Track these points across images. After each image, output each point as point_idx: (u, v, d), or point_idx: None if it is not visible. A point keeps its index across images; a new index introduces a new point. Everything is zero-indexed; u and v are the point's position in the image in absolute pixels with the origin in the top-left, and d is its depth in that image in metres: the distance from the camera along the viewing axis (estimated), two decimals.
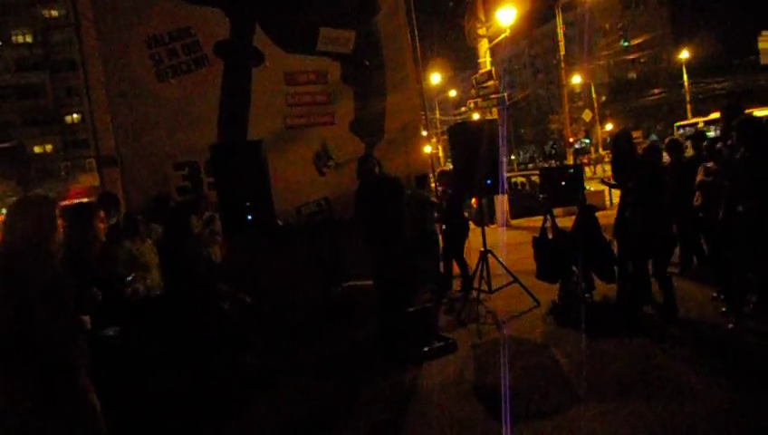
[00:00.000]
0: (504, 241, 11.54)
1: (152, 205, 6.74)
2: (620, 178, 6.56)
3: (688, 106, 42.38)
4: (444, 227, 8.28)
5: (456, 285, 8.49)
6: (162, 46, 7.56)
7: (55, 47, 53.98)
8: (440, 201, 8.31)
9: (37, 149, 53.81)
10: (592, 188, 15.38)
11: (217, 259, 6.10)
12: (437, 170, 10.11)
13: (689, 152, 7.71)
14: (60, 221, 3.13)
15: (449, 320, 6.99)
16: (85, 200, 6.75)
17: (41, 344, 2.93)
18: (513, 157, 61.64)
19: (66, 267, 3.13)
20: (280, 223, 6.37)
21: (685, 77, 42.01)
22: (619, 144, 6.80)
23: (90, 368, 3.21)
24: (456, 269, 8.48)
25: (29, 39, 54.73)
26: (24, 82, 53.30)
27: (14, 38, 54.56)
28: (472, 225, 9.41)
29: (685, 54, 42.09)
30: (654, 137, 44.07)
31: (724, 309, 5.81)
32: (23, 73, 53.47)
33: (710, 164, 6.23)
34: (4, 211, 43.52)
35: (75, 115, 54.69)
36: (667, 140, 8.01)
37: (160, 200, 6.73)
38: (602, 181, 8.44)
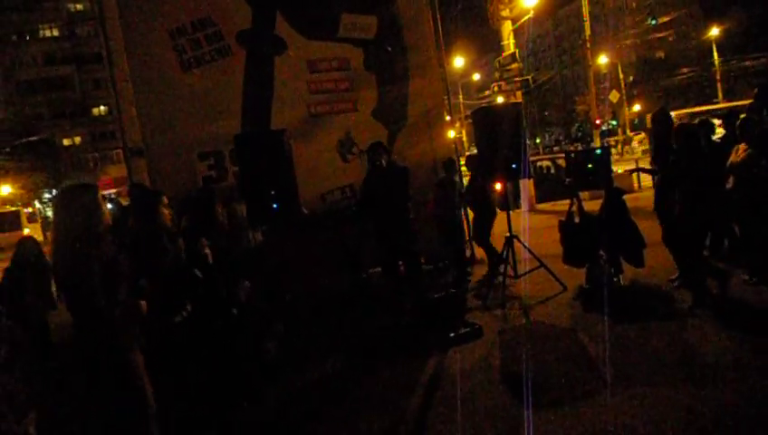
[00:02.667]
0: (530, 226, 11.45)
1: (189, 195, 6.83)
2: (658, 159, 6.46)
3: (719, 85, 41.36)
4: (469, 211, 8.26)
5: (483, 269, 8.47)
6: (185, 37, 7.62)
7: (81, 40, 54.74)
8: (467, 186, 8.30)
9: (66, 142, 54.77)
10: (620, 171, 15.14)
11: (255, 243, 6.21)
12: (465, 155, 10.06)
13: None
14: (105, 205, 3.28)
15: (475, 305, 6.97)
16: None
17: (97, 324, 3.05)
18: (538, 140, 61.00)
19: (126, 253, 3.25)
20: (305, 211, 6.40)
21: (715, 55, 40.96)
22: (654, 124, 6.68)
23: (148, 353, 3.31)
24: (479, 254, 8.46)
25: (56, 33, 55.54)
26: (52, 75, 54.19)
27: (41, 32, 55.40)
28: (496, 209, 9.36)
29: (714, 32, 41.01)
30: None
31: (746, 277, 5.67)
32: (50, 67, 54.35)
33: (742, 145, 6.09)
34: (36, 203, 44.61)
35: (102, 107, 55.52)
36: (697, 121, 7.85)
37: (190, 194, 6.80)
38: (633, 171, 8.32)
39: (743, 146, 6.08)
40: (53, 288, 6.41)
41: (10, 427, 2.83)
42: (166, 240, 4.41)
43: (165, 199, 4.73)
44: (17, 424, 2.87)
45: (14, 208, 28.72)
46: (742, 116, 6.75)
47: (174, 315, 4.05)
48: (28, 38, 54.82)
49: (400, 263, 6.66)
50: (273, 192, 5.91)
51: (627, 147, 39.68)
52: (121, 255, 3.27)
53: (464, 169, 9.29)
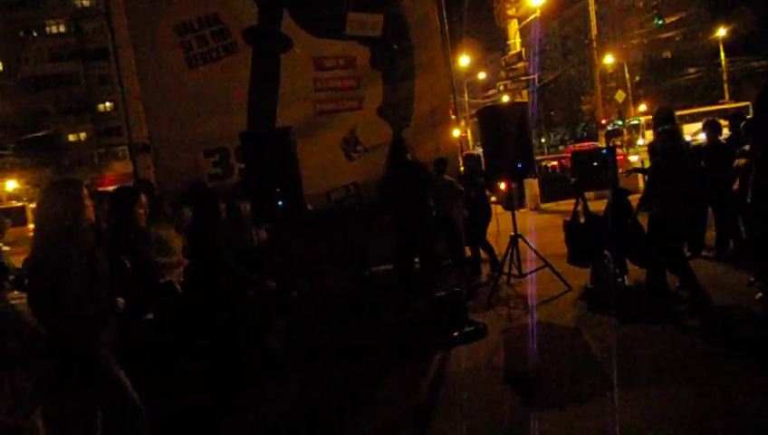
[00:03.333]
0: (535, 225, 11.44)
1: (188, 189, 6.85)
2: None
3: (726, 85, 41.15)
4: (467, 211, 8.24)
5: (487, 269, 8.47)
6: (192, 33, 7.63)
7: (87, 36, 54.83)
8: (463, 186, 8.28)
9: (71, 138, 54.90)
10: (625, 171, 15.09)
11: (259, 240, 6.22)
12: (463, 154, 10.04)
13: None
14: (88, 202, 3.29)
15: (479, 304, 6.97)
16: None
17: (72, 321, 3.05)
18: (543, 139, 60.86)
19: (103, 249, 3.25)
20: (310, 208, 6.41)
21: (722, 55, 40.75)
22: (656, 124, 6.67)
23: (121, 350, 3.32)
24: (483, 254, 8.45)
25: (62, 29, 55.66)
26: (58, 71, 54.29)
27: (47, 28, 55.53)
28: (500, 209, 9.35)
29: (722, 32, 40.81)
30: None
31: (760, 294, 5.67)
32: (56, 63, 54.46)
33: (747, 147, 6.06)
34: None
35: (108, 103, 55.61)
36: (704, 121, 7.82)
37: (196, 185, 6.83)
38: (630, 172, 8.31)
39: (748, 147, 6.05)
40: None
41: (18, 422, 2.84)
42: (136, 240, 4.41)
43: (143, 198, 4.70)
44: (25, 419, 2.88)
45: (19, 204, 28.80)
46: (747, 117, 6.73)
47: (139, 317, 4.05)
48: (34, 34, 54.95)
49: (416, 260, 6.66)
50: (278, 189, 5.92)
51: (632, 149, 39.55)
52: (100, 251, 3.27)
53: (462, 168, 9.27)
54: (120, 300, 3.36)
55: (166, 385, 4.40)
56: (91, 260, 3.14)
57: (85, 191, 3.31)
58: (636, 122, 38.73)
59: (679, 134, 6.02)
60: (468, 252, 8.38)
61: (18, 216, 23.15)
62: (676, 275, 5.92)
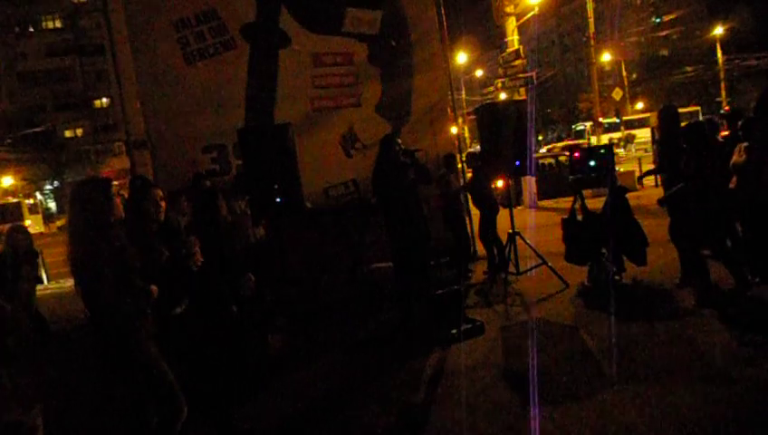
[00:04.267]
0: (533, 223, 11.45)
1: (189, 183, 6.83)
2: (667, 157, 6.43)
3: (722, 84, 41.24)
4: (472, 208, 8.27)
5: (484, 266, 8.48)
6: (189, 29, 7.61)
7: (84, 32, 54.63)
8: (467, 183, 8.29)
9: (68, 134, 54.75)
10: (623, 169, 15.14)
11: (258, 238, 6.20)
12: (465, 152, 10.05)
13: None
14: (117, 198, 3.38)
15: (478, 302, 6.97)
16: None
17: (110, 315, 3.13)
18: (540, 137, 60.90)
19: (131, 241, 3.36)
20: (308, 205, 6.40)
21: (719, 54, 40.83)
22: (661, 122, 6.66)
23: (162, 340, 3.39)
24: (481, 250, 8.46)
25: (58, 24, 55.45)
26: (55, 66, 54.11)
27: (43, 24, 55.33)
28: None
29: (719, 30, 40.87)
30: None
31: (757, 279, 5.68)
32: (53, 58, 54.27)
33: (745, 144, 6.06)
34: (38, 194, 44.67)
35: (105, 99, 55.43)
36: (702, 120, 7.83)
37: (196, 177, 6.80)
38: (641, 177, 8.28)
39: (745, 145, 6.04)
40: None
41: (17, 418, 2.85)
42: (155, 236, 4.40)
43: (159, 193, 4.66)
44: (24, 416, 2.88)
45: (15, 200, 28.72)
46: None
47: (171, 309, 4.06)
48: (31, 29, 54.73)
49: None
50: (276, 186, 5.91)
51: (629, 145, 39.65)
52: (132, 246, 3.33)
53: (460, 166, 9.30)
54: (154, 287, 3.43)
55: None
56: (122, 254, 3.21)
57: (114, 189, 3.40)
58: (581, 128, 39.32)
59: (704, 128, 6.01)
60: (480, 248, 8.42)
61: (15, 212, 23.09)
62: (696, 269, 5.90)
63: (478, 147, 13.43)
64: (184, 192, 6.00)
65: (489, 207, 8.16)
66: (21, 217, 23.19)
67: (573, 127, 38.26)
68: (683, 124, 6.34)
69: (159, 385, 3.29)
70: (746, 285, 5.77)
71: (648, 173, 7.98)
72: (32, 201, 35.04)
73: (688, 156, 5.82)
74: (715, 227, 5.80)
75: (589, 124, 39.09)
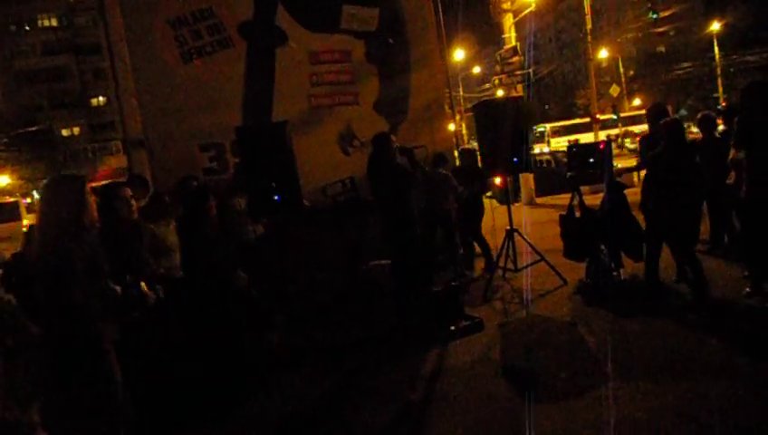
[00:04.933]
0: (530, 219, 11.45)
1: (177, 185, 6.83)
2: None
3: (719, 80, 41.26)
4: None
5: (480, 264, 8.49)
6: (186, 27, 7.58)
7: (80, 30, 54.47)
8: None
9: (65, 133, 54.61)
10: (620, 165, 15.13)
11: (256, 235, 6.21)
12: (459, 148, 10.05)
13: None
14: (92, 198, 3.27)
15: (475, 299, 6.98)
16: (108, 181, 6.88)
17: (77, 315, 3.05)
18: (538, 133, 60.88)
19: (102, 243, 3.26)
20: (306, 203, 6.39)
21: (716, 50, 40.84)
22: (650, 120, 6.67)
23: (117, 346, 3.31)
24: (478, 248, 8.47)
25: (54, 23, 55.26)
26: (51, 65, 53.94)
27: (39, 22, 55.12)
28: (496, 203, 9.38)
29: (715, 26, 40.89)
30: (684, 112, 43.11)
31: (748, 289, 5.69)
32: (49, 57, 54.09)
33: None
34: (35, 193, 44.56)
35: (101, 98, 55.32)
36: (699, 116, 7.83)
37: (183, 180, 6.81)
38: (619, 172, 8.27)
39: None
40: None
41: (15, 416, 2.84)
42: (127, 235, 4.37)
43: (128, 192, 4.61)
44: (23, 414, 2.87)
45: (13, 199, 28.57)
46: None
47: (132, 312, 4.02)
48: (27, 28, 54.54)
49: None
50: (274, 184, 5.89)
51: (627, 139, 39.67)
52: (102, 248, 3.26)
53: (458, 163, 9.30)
54: (117, 289, 3.34)
55: (164, 384, 4.40)
56: (93, 255, 3.13)
57: (88, 187, 3.29)
58: (542, 129, 39.27)
59: (681, 126, 6.01)
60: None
61: (12, 211, 22.96)
62: (689, 267, 5.91)
63: (474, 143, 13.44)
64: (168, 193, 5.99)
65: (474, 206, 8.19)
66: (19, 216, 23.06)
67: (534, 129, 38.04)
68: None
69: (110, 395, 3.21)
70: (703, 291, 5.76)
71: (630, 170, 7.96)
72: (29, 200, 34.90)
73: (664, 152, 5.82)
74: (683, 225, 5.80)
75: (549, 126, 39.01)
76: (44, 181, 3.50)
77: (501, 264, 7.43)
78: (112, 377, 3.21)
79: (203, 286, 5.07)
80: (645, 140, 7.31)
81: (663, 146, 5.80)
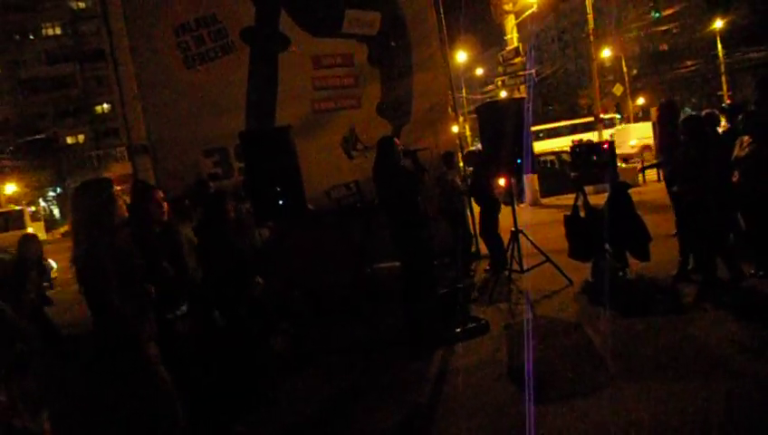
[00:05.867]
0: (535, 220, 11.44)
1: (193, 188, 6.86)
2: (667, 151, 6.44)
3: (723, 77, 41.11)
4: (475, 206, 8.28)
5: (484, 264, 8.50)
6: (189, 34, 7.63)
7: (84, 38, 54.72)
8: (465, 181, 8.30)
9: (70, 140, 54.84)
10: (623, 165, 15.12)
11: (262, 239, 6.23)
12: (465, 151, 10.06)
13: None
14: (120, 200, 3.35)
15: (481, 300, 6.98)
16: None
17: (113, 317, 3.11)
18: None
19: (134, 243, 3.35)
20: (311, 207, 6.40)
21: (719, 47, 40.70)
22: (661, 117, 6.66)
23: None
24: (484, 249, 8.48)
25: (58, 31, 55.54)
26: (55, 73, 54.18)
27: (43, 30, 55.41)
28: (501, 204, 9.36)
29: (718, 24, 40.76)
30: (688, 110, 42.98)
31: (761, 273, 5.68)
32: (53, 65, 54.35)
33: (746, 138, 6.06)
34: (41, 201, 44.72)
35: (106, 105, 55.53)
36: (702, 114, 7.81)
37: (200, 183, 6.84)
38: (646, 168, 8.24)
39: (747, 139, 6.05)
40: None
41: (26, 424, 2.86)
42: (157, 238, 4.41)
43: (160, 194, 4.65)
44: (33, 422, 2.90)
45: (17, 208, 28.73)
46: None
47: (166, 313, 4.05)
48: (31, 37, 54.82)
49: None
50: (278, 189, 5.92)
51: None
52: (136, 248, 3.31)
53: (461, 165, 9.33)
54: (151, 288, 3.41)
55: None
56: (127, 257, 3.21)
57: (117, 189, 3.37)
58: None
59: (703, 121, 6.03)
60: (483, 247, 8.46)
61: (17, 220, 23.03)
62: (705, 264, 5.92)
63: (478, 145, 13.42)
64: (186, 197, 6.03)
65: (489, 204, 8.17)
66: (23, 225, 23.13)
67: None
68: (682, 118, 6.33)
69: (158, 390, 3.26)
70: (741, 279, 5.76)
71: (651, 166, 7.97)
72: (33, 208, 35.09)
73: (686, 148, 5.82)
74: (713, 221, 5.80)
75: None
76: (73, 188, 3.56)
77: (507, 265, 7.41)
78: (154, 374, 3.25)
79: (220, 290, 5.08)
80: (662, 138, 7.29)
81: (685, 143, 5.81)
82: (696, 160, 5.70)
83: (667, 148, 6.47)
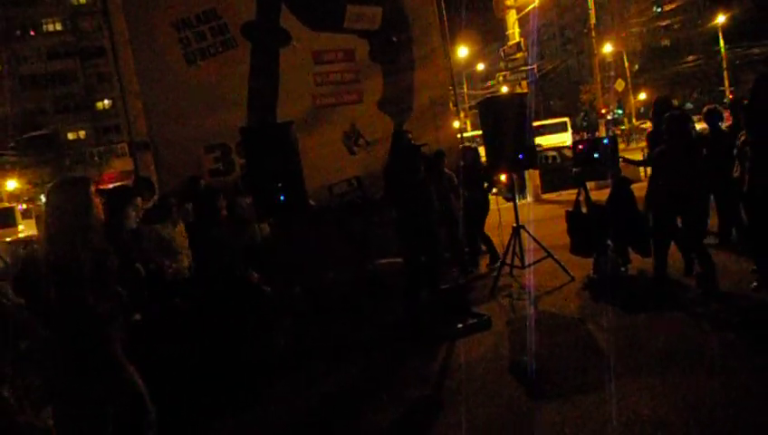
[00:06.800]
0: (536, 216, 11.42)
1: (185, 185, 6.88)
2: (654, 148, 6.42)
3: (725, 73, 41.01)
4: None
5: (485, 261, 8.50)
6: (190, 29, 7.60)
7: (84, 34, 54.63)
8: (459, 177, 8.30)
9: (71, 136, 54.83)
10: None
11: (261, 235, 6.24)
12: (461, 147, 10.03)
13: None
14: (97, 200, 3.27)
15: (482, 296, 6.97)
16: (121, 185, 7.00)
17: (84, 319, 3.04)
18: None
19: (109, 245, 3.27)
20: (312, 203, 6.40)
21: (721, 43, 40.59)
22: (655, 113, 6.64)
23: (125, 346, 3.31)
24: (484, 245, 8.47)
25: (59, 27, 55.46)
26: (56, 69, 54.11)
27: (44, 27, 55.33)
28: (502, 200, 9.36)
29: (720, 19, 40.63)
30: (689, 105, 42.91)
31: (755, 284, 5.66)
32: (54, 61, 54.29)
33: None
34: (42, 197, 44.73)
35: (106, 101, 55.47)
36: (705, 109, 7.79)
37: (192, 180, 6.86)
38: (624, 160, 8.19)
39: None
40: None
41: (29, 419, 2.86)
42: (129, 242, 4.41)
43: (138, 201, 4.70)
44: (37, 418, 2.89)
45: (8, 205, 28.52)
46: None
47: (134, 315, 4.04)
48: (32, 33, 54.75)
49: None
50: (279, 184, 5.91)
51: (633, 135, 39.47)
52: (111, 249, 3.26)
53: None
54: (123, 292, 3.34)
55: (170, 383, 4.40)
56: (102, 258, 3.13)
57: (93, 189, 3.29)
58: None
59: (688, 118, 5.99)
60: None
61: (7, 217, 22.89)
62: (699, 260, 5.90)
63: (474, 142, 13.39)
64: (174, 194, 6.04)
65: (479, 202, 8.19)
66: (14, 223, 22.95)
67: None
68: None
69: (126, 390, 3.21)
70: (712, 285, 5.74)
71: (632, 162, 7.86)
72: (24, 206, 34.74)
73: (666, 146, 5.80)
74: (690, 220, 5.79)
75: None
76: (49, 185, 3.49)
77: (508, 261, 7.41)
78: (126, 378, 3.21)
79: (213, 287, 5.09)
80: (651, 135, 7.28)
81: (666, 141, 5.78)
82: (680, 158, 5.68)
83: (656, 144, 6.44)
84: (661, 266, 6.09)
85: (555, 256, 7.16)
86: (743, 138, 5.71)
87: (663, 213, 6.01)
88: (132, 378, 3.22)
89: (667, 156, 5.82)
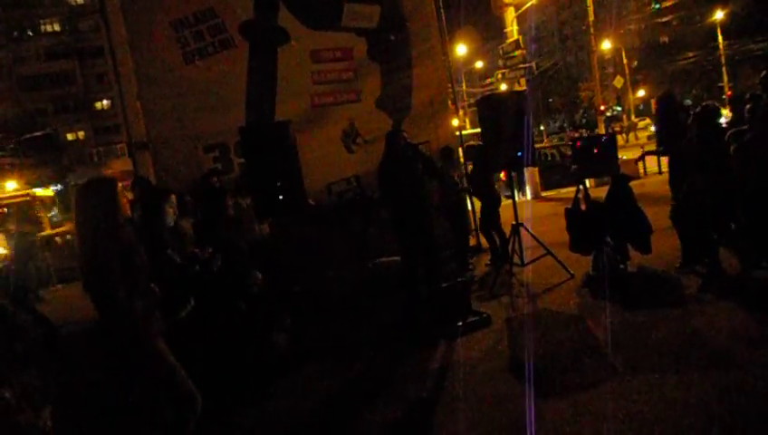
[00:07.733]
0: (536, 213, 11.42)
1: (189, 184, 6.88)
2: (668, 141, 6.43)
3: (724, 69, 40.98)
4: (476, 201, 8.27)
5: (485, 258, 8.50)
6: (188, 29, 7.59)
7: (83, 34, 54.57)
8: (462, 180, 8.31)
9: (70, 137, 54.78)
10: (625, 157, 15.09)
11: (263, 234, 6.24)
12: (465, 145, 10.04)
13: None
14: (123, 198, 3.39)
15: (482, 294, 6.97)
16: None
17: (120, 315, 3.13)
18: (542, 127, 60.83)
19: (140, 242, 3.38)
20: (311, 202, 6.40)
21: (720, 39, 40.54)
22: (661, 108, 6.65)
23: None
24: (485, 243, 8.47)
25: (57, 27, 55.38)
26: (54, 70, 54.05)
27: (42, 27, 55.25)
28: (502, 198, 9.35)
29: (719, 15, 40.57)
30: (688, 102, 42.86)
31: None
32: (52, 62, 54.21)
33: (746, 128, 6.06)
34: None
35: (105, 101, 55.44)
36: (702, 105, 7.78)
37: (204, 177, 6.83)
38: (647, 154, 8.17)
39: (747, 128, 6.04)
40: None
41: (29, 420, 2.86)
42: (169, 239, 4.48)
43: (173, 198, 4.76)
44: (36, 418, 2.89)
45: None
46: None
47: (178, 312, 4.08)
48: (30, 33, 54.67)
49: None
50: (278, 184, 5.91)
51: (632, 132, 39.49)
52: (140, 245, 3.34)
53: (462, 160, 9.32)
54: (156, 288, 3.42)
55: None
56: (131, 254, 3.22)
57: (120, 187, 3.39)
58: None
59: (717, 112, 6.03)
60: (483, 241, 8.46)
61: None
62: (707, 254, 5.91)
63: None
64: (188, 193, 6.05)
65: (490, 198, 8.16)
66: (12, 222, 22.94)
67: None
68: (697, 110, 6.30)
69: (170, 382, 3.29)
70: (752, 268, 5.76)
71: (648, 154, 7.89)
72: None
73: (698, 140, 5.81)
74: (724, 210, 5.80)
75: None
76: (77, 186, 3.59)
77: (508, 258, 7.41)
78: (165, 368, 3.28)
79: (218, 285, 5.09)
80: (660, 132, 7.29)
81: (695, 134, 5.80)
82: (711, 150, 5.71)
83: (670, 139, 6.43)
84: (717, 263, 6.05)
85: (554, 254, 7.16)
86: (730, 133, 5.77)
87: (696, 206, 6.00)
88: (176, 370, 3.29)
89: (693, 149, 5.83)
